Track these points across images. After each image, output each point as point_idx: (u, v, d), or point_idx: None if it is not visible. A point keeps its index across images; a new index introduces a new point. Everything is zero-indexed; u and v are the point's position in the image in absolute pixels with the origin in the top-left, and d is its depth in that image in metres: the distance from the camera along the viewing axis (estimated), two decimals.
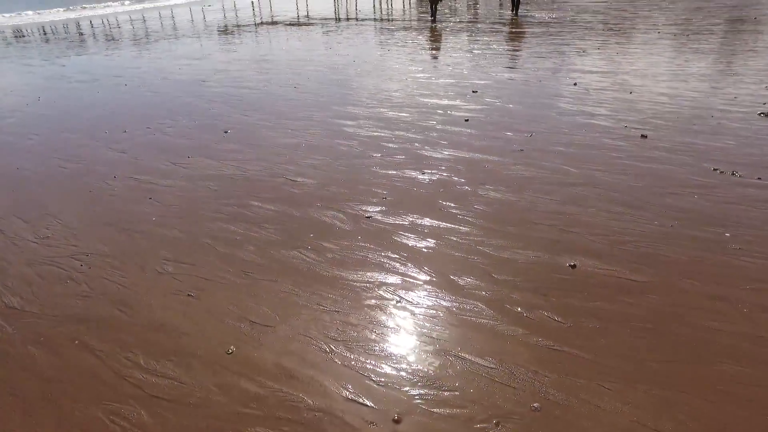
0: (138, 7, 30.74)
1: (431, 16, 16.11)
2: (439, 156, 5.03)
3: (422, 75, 8.44)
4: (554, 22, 15.26)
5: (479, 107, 6.58)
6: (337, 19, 19.33)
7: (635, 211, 3.90)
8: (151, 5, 30.95)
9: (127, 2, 32.03)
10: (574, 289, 3.02)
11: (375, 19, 18.63)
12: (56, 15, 24.49)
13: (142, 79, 9.43)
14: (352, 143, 5.44)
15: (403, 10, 23.82)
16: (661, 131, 5.57)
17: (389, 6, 26.47)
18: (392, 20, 17.99)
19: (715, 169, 4.45)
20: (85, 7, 28.66)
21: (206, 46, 13.22)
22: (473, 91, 7.30)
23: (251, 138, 5.81)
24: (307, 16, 21.77)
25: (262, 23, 18.68)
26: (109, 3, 31.75)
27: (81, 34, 18.07)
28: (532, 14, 17.13)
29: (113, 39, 15.91)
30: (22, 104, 8.14)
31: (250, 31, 16.31)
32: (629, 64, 8.98)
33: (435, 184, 4.41)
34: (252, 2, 31.66)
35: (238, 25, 18.13)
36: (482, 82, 7.90)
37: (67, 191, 4.69)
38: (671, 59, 9.31)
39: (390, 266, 3.30)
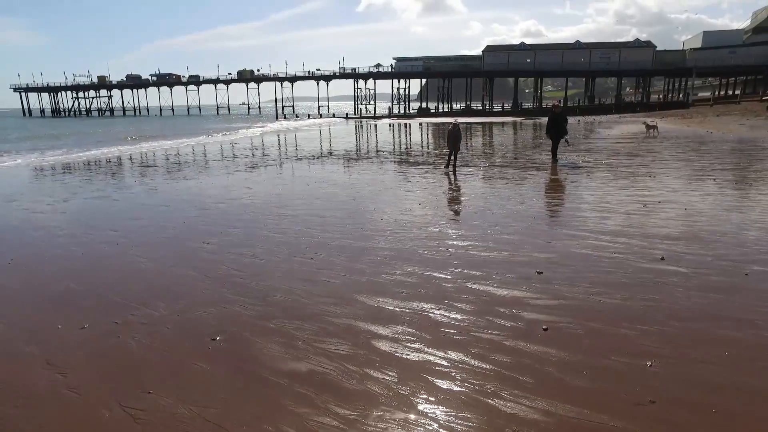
0: (172, 143, 32.23)
1: (447, 165, 14.59)
2: (526, 415, 3.20)
3: (464, 243, 7.00)
4: (590, 167, 14.43)
5: (554, 302, 4.90)
6: (358, 159, 19.11)
7: None
8: (191, 141, 32.59)
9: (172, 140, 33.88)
10: None
11: (398, 161, 18.28)
12: (104, 152, 25.77)
13: (138, 234, 8.22)
14: (388, 377, 3.68)
15: (421, 146, 23.98)
16: None
17: (408, 144, 26.92)
18: (415, 162, 17.54)
19: None
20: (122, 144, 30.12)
21: (220, 192, 12.42)
22: (537, 272, 5.71)
23: (245, 355, 4.13)
24: (330, 153, 21.83)
25: (286, 160, 18.46)
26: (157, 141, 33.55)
27: (107, 172, 17.97)
28: (562, 156, 16.49)
29: (132, 176, 15.50)
30: None
31: (270, 173, 15.82)
32: (712, 225, 7.51)
33: None
34: (278, 139, 32.99)
35: (261, 165, 17.86)
36: (543, 255, 6.36)
37: None
38: (760, 218, 7.83)
39: None
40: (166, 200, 11.29)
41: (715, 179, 11.68)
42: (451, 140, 14.30)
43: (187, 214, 9.61)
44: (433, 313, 4.74)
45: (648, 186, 11.08)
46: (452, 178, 13.04)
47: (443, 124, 44.98)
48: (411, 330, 4.40)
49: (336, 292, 5.34)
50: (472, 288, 5.32)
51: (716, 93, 66.47)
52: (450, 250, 6.67)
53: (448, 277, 5.67)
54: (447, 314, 4.70)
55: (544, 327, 4.37)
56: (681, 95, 72.46)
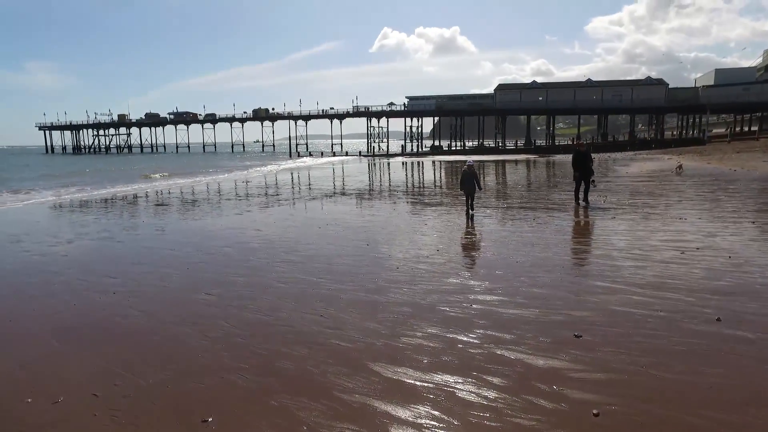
0: (190, 180, 32.39)
1: (468, 214, 13.04)
2: None
3: (490, 297, 6.33)
4: (614, 207, 13.75)
5: (601, 376, 4.19)
6: (372, 198, 18.67)
7: None
8: (206, 179, 32.75)
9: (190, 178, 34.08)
10: None
11: (412, 202, 17.81)
12: (119, 190, 26.11)
13: (137, 283, 7.71)
14: None
15: (434, 186, 23.54)
16: None
17: (422, 183, 26.55)
18: (430, 203, 17.03)
19: None
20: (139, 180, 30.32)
21: (228, 234, 11.99)
22: (576, 336, 5.02)
23: None
24: (343, 192, 21.48)
25: (299, 200, 18.10)
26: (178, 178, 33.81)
27: (117, 211, 17.78)
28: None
29: (141, 216, 15.21)
30: None
31: (281, 214, 15.41)
32: (767, 278, 6.72)
33: None
34: (292, 177, 32.96)
35: (273, 204, 17.52)
36: (579, 313, 5.67)
37: None
38: None
39: None
40: (172, 243, 10.85)
41: (754, 222, 10.92)
42: (466, 184, 12.89)
43: (191, 259, 9.12)
44: (460, 389, 4.06)
45: (681, 230, 10.35)
46: (470, 222, 12.41)
47: (456, 162, 44.85)
48: (435, 413, 3.72)
49: (348, 359, 4.69)
50: (502, 356, 4.64)
51: (732, 129, 65.77)
52: (474, 306, 6.00)
53: (474, 341, 5.00)
54: (476, 391, 4.01)
55: (595, 412, 3.66)
56: (695, 132, 71.91)
